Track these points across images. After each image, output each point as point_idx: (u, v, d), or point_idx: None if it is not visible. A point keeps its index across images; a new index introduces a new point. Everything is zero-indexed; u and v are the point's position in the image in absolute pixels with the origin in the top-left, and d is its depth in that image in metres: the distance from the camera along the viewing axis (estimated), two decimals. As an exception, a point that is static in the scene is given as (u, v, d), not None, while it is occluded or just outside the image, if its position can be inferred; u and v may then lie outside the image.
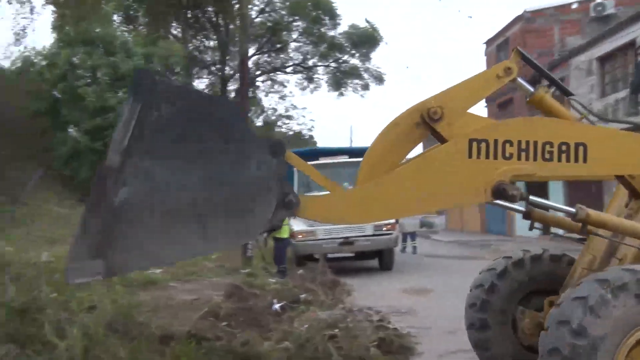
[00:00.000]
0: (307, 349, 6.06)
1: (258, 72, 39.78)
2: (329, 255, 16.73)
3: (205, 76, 40.28)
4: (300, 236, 16.53)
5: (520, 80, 4.93)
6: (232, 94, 38.76)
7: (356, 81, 39.39)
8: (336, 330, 6.42)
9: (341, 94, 40.24)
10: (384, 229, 16.51)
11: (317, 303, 9.36)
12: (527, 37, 30.37)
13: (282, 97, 43.23)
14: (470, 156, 4.39)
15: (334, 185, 4.88)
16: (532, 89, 5.05)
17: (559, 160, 4.48)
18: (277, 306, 9.37)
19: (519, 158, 4.44)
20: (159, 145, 3.88)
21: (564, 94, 5.41)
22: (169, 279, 11.57)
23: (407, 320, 9.10)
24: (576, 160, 4.49)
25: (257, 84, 41.15)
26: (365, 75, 39.03)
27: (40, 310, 5.35)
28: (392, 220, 16.85)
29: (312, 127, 51.51)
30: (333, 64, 39.35)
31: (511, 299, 5.72)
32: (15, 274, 6.27)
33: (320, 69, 40.40)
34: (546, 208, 5.56)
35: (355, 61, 38.74)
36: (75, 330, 4.60)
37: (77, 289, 6.70)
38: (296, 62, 40.03)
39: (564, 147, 4.48)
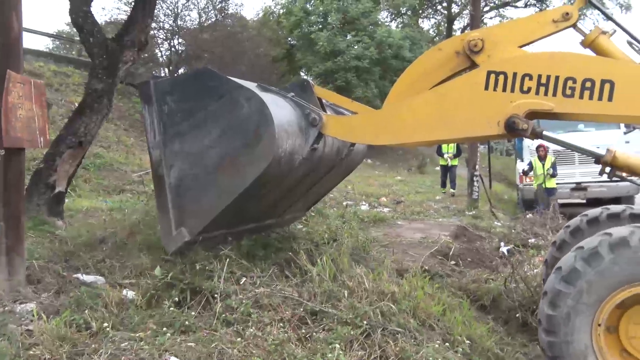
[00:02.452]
0: (538, 292, 6.05)
1: (486, 9, 38.18)
2: (560, 201, 15.93)
3: (431, 16, 39.82)
4: (528, 179, 15.99)
5: (580, 26, 4.56)
6: (458, 32, 37.89)
7: (597, 11, 35.70)
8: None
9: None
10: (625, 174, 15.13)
11: (547, 248, 9.12)
12: None
13: (512, 34, 41.00)
14: (487, 88, 4.35)
15: (362, 108, 5.30)
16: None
17: (581, 97, 4.19)
18: (504, 249, 9.39)
19: (537, 93, 4.27)
20: (179, 128, 4.96)
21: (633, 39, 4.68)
22: (397, 217, 12.09)
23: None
24: (600, 98, 4.16)
25: (485, 20, 39.54)
26: (609, 4, 35.24)
27: (294, 239, 6.13)
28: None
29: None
30: (571, -6, 36.09)
31: None
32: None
33: (557, 2, 37.35)
34: (566, 147, 5.08)
35: (597, -11, 35.06)
36: (325, 258, 5.21)
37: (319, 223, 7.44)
38: (529, -6, 37.56)
39: (587, 84, 4.17)
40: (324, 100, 5.68)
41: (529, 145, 16.27)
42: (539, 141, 14.83)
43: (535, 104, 4.29)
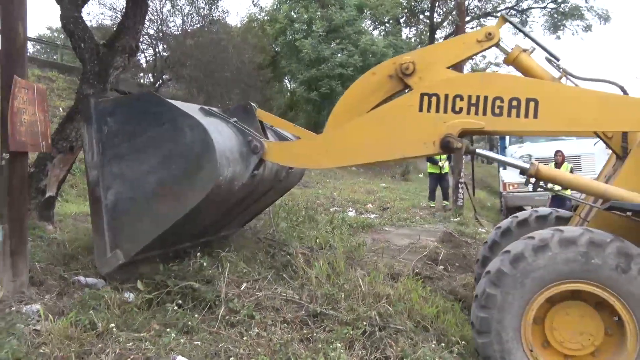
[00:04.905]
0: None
1: (468, 18, 38.59)
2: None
3: (413, 25, 40.20)
4: (512, 187, 16.25)
5: (503, 45, 4.95)
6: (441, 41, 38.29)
7: (577, 22, 36.26)
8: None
9: (558, 38, 37.59)
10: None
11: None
12: None
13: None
14: (421, 110, 4.58)
15: (306, 133, 5.49)
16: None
17: (509, 115, 4.49)
18: (490, 255, 9.55)
19: (468, 112, 4.53)
20: (118, 150, 4.90)
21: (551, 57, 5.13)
22: (384, 223, 12.25)
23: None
24: (526, 115, 4.47)
25: (466, 30, 39.96)
26: (588, 15, 35.80)
27: (288, 244, 6.24)
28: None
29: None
30: (551, 5, 36.64)
31: None
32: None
33: (536, 11, 37.87)
34: (496, 162, 5.38)
35: (577, -1, 35.58)
36: (322, 262, 5.34)
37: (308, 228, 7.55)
38: (510, 5, 38.04)
39: (514, 103, 4.49)
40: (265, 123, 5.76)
41: (512, 153, 16.56)
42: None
43: (467, 123, 4.54)
